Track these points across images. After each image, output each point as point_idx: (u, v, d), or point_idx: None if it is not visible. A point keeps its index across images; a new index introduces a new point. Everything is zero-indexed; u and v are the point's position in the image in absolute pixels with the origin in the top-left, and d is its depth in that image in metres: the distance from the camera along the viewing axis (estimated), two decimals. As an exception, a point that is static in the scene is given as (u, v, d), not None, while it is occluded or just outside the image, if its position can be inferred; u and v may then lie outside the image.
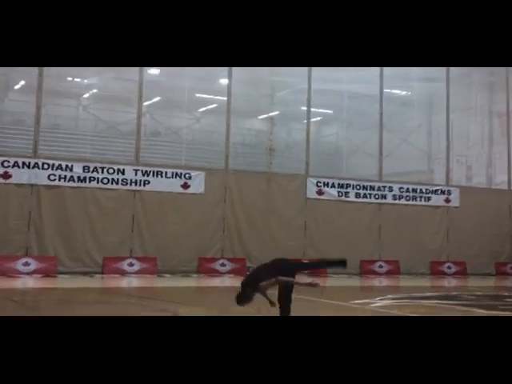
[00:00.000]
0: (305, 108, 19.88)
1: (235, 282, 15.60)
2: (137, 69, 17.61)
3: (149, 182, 17.23)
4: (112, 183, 16.80)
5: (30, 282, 14.24)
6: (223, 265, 17.55)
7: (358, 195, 19.48)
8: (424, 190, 20.31)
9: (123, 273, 16.20)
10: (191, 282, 15.91)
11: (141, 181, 17.17)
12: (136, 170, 17.15)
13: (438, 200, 20.42)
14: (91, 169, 16.58)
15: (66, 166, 16.32)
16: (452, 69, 21.27)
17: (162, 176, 17.42)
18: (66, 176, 16.28)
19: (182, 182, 17.62)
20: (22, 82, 19.27)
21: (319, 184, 19.16)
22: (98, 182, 16.64)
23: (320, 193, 19.12)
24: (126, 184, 16.98)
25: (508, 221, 21.15)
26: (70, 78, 19.90)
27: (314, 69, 19.46)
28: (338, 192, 19.32)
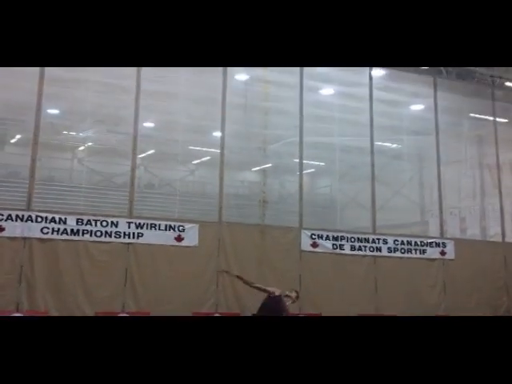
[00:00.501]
0: (297, 160, 20.05)
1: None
2: (131, 122, 17.78)
3: (142, 235, 17.11)
4: (105, 236, 16.66)
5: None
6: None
7: (352, 248, 19.43)
8: (419, 243, 20.31)
9: (116, 328, 15.83)
10: (185, 337, 15.57)
11: (134, 233, 17.04)
12: (129, 223, 17.05)
13: (433, 252, 20.40)
14: (85, 221, 16.46)
15: (60, 218, 16.21)
16: (440, 121, 21.69)
17: (155, 228, 17.31)
18: (59, 229, 16.14)
19: (176, 235, 17.50)
20: (18, 136, 19.35)
21: (314, 236, 19.10)
22: (91, 235, 16.50)
23: (314, 245, 19.05)
24: (120, 237, 16.84)
25: (503, 273, 21.13)
26: (65, 132, 20.00)
27: (305, 121, 19.77)
28: (333, 244, 19.26)
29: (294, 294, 7.16)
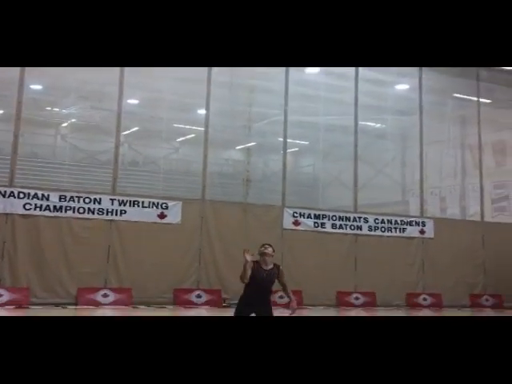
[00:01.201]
0: (281, 139, 20.13)
1: (211, 313, 15.60)
2: (116, 98, 17.73)
3: (125, 212, 17.19)
4: (88, 213, 16.73)
5: (1, 314, 13.99)
6: (199, 296, 17.46)
7: (334, 226, 19.65)
8: (399, 222, 20.58)
9: (97, 304, 16.02)
10: (166, 313, 15.79)
11: (117, 210, 17.12)
12: (112, 200, 17.12)
13: (413, 231, 20.69)
14: (68, 198, 16.51)
15: (43, 195, 16.25)
16: (424, 101, 21.81)
17: (138, 206, 17.40)
18: (41, 205, 16.19)
19: (159, 212, 17.61)
20: (1, 111, 19.24)
21: (296, 215, 19.30)
22: (74, 212, 16.56)
23: (296, 223, 19.25)
24: (103, 213, 16.92)
25: (481, 252, 21.48)
26: (48, 108, 19.91)
27: (290, 100, 19.81)
28: (315, 223, 19.47)
29: (269, 250, 7.07)
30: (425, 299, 20.22)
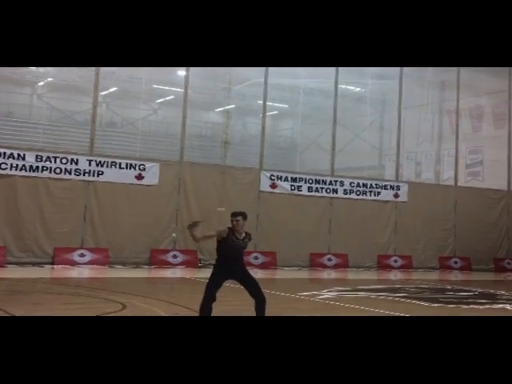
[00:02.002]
0: (261, 102, 20.16)
1: (186, 273, 15.92)
2: (93, 58, 17.55)
3: (102, 173, 17.25)
4: (65, 173, 16.77)
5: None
6: (175, 256, 17.74)
7: (310, 189, 19.90)
8: (374, 185, 20.88)
9: (74, 264, 16.24)
10: (142, 273, 16.09)
11: (94, 171, 17.18)
12: (90, 161, 17.15)
13: (387, 195, 21.02)
14: (44, 158, 16.51)
15: (18, 154, 16.22)
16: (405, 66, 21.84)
17: (115, 167, 17.45)
18: (17, 165, 16.18)
19: (136, 173, 17.70)
20: (-26, 69, 19.00)
21: (273, 177, 19.50)
22: (50, 172, 16.59)
23: (273, 186, 19.47)
24: (80, 174, 16.97)
25: (453, 216, 21.94)
26: (24, 66, 19.71)
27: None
28: (291, 186, 19.70)
29: (240, 223, 7.32)
30: (395, 261, 20.72)
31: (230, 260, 7.29)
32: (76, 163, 16.95)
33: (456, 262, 21.71)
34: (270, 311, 7.39)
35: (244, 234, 7.40)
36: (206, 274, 16.52)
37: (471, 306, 11.35)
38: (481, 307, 11.35)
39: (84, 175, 17.02)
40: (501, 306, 11.62)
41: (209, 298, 7.18)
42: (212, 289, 7.22)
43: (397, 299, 11.98)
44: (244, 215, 7.43)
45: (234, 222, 7.29)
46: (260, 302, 7.34)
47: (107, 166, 17.35)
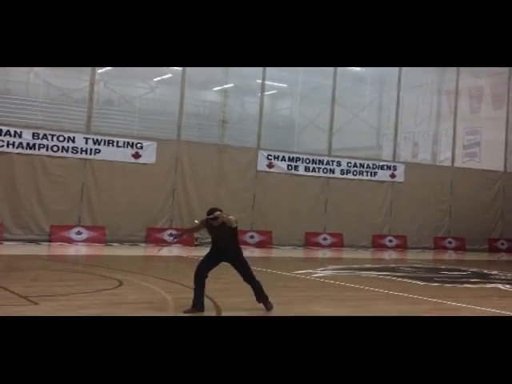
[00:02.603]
0: (259, 81, 20.09)
1: (182, 251, 16.02)
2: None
3: (99, 151, 17.27)
4: (62, 151, 16.78)
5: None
6: (171, 235, 17.80)
7: (307, 169, 19.93)
8: (371, 166, 20.90)
9: (71, 241, 16.33)
10: (139, 251, 16.19)
11: (91, 149, 17.19)
12: (87, 139, 17.16)
13: (383, 175, 21.04)
14: (41, 136, 16.51)
15: (15, 132, 16.22)
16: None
17: (113, 145, 17.46)
18: (14, 142, 16.19)
19: (134, 152, 17.70)
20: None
21: (270, 157, 19.52)
22: (47, 150, 16.60)
23: (270, 166, 19.50)
24: (77, 152, 16.99)
25: (449, 196, 22.01)
26: (20, 43, 19.56)
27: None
28: (288, 165, 19.72)
29: (215, 222, 7.36)
30: (390, 241, 20.85)
31: (218, 244, 7.46)
32: (73, 141, 16.96)
33: (450, 243, 21.84)
34: (266, 290, 7.50)
35: (220, 223, 7.28)
36: (202, 252, 16.67)
37: (465, 286, 11.49)
38: (474, 286, 11.49)
39: (81, 153, 17.04)
40: (493, 285, 11.75)
41: (199, 270, 7.34)
42: (204, 263, 7.42)
43: (393, 278, 12.10)
44: (216, 210, 7.29)
45: (211, 221, 7.24)
46: (256, 286, 7.54)
47: (104, 145, 17.35)
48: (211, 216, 7.25)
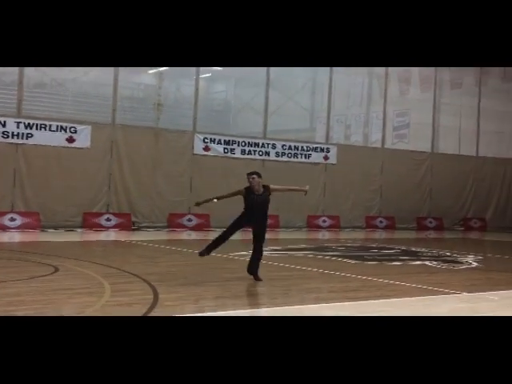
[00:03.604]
0: (194, 64, 20.07)
1: (120, 236, 16.01)
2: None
3: (32, 135, 16.92)
4: (-8, 136, 16.36)
5: None
6: (108, 220, 17.75)
7: (243, 152, 20.20)
8: (305, 148, 21.40)
9: (4, 228, 16.00)
10: (75, 236, 16.07)
11: (23, 134, 16.82)
12: (18, 123, 16.77)
13: (317, 157, 21.61)
14: (-31, 120, 16.03)
15: None
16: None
17: (45, 129, 17.14)
18: None
19: (67, 136, 17.45)
20: None
21: (206, 140, 19.65)
22: (-24, 134, 16.15)
23: (207, 149, 19.64)
24: (8, 137, 16.59)
25: (379, 177, 22.85)
26: None
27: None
28: (224, 148, 19.93)
29: (255, 181, 8.70)
30: (324, 221, 21.51)
31: (251, 211, 8.56)
32: (3, 125, 16.55)
33: (381, 222, 22.74)
34: (203, 271, 7.73)
35: (262, 190, 8.51)
36: (140, 236, 16.70)
37: (394, 263, 12.08)
38: (403, 263, 12.11)
39: (12, 138, 16.66)
40: (421, 262, 12.40)
41: (223, 236, 8.74)
42: (230, 229, 8.69)
43: (326, 258, 12.59)
44: (258, 174, 8.60)
45: (251, 179, 8.49)
46: (256, 257, 8.69)
47: (36, 129, 17.01)
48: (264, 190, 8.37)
